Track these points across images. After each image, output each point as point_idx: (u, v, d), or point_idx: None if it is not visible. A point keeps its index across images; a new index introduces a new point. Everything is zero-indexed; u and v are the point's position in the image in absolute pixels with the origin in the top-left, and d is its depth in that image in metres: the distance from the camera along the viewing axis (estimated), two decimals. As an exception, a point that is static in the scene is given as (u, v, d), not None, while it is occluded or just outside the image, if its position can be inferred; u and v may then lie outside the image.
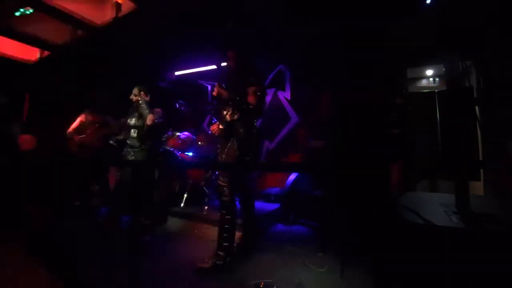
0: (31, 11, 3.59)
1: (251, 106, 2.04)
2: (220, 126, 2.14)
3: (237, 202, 2.16)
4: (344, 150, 2.85)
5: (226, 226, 2.00)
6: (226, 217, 2.01)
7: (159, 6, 3.05)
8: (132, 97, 2.83)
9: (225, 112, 2.12)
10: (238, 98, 2.04)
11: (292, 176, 3.27)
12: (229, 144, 2.07)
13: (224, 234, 1.99)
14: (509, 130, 1.68)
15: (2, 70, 4.43)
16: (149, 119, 2.66)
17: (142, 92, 2.84)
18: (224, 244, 1.97)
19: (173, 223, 3.00)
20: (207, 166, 2.21)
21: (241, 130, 2.06)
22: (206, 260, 1.93)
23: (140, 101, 2.76)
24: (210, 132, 2.31)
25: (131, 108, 2.89)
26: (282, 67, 4.40)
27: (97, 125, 3.35)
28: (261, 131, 4.58)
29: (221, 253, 1.95)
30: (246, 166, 1.91)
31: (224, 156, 2.09)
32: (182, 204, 3.20)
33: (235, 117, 2.08)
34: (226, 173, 2.05)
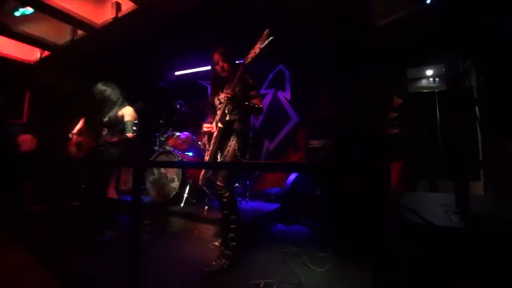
0: (31, 11, 3.59)
1: (257, 108, 2.05)
2: (219, 125, 2.03)
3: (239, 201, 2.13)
4: (344, 150, 2.85)
5: (232, 226, 1.98)
6: (231, 217, 1.99)
7: (159, 6, 3.05)
8: (109, 93, 2.64)
9: (226, 111, 2.04)
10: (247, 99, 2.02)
11: (292, 176, 3.27)
12: (229, 144, 2.04)
13: (231, 234, 1.97)
14: (509, 130, 1.68)
15: (2, 70, 4.44)
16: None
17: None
18: (232, 244, 1.96)
19: (173, 223, 2.99)
20: (207, 166, 2.19)
21: (242, 129, 2.04)
22: (214, 263, 1.91)
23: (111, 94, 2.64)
24: (204, 129, 2.20)
25: (100, 105, 2.66)
26: (282, 67, 4.40)
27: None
28: (260, 131, 4.58)
29: (229, 253, 1.94)
30: (246, 167, 1.90)
31: (223, 157, 2.06)
32: (182, 204, 3.19)
33: (236, 117, 2.05)
34: (225, 174, 2.01)
